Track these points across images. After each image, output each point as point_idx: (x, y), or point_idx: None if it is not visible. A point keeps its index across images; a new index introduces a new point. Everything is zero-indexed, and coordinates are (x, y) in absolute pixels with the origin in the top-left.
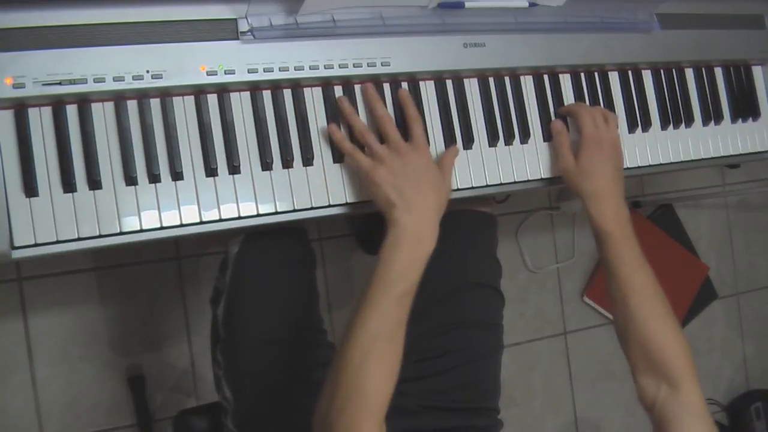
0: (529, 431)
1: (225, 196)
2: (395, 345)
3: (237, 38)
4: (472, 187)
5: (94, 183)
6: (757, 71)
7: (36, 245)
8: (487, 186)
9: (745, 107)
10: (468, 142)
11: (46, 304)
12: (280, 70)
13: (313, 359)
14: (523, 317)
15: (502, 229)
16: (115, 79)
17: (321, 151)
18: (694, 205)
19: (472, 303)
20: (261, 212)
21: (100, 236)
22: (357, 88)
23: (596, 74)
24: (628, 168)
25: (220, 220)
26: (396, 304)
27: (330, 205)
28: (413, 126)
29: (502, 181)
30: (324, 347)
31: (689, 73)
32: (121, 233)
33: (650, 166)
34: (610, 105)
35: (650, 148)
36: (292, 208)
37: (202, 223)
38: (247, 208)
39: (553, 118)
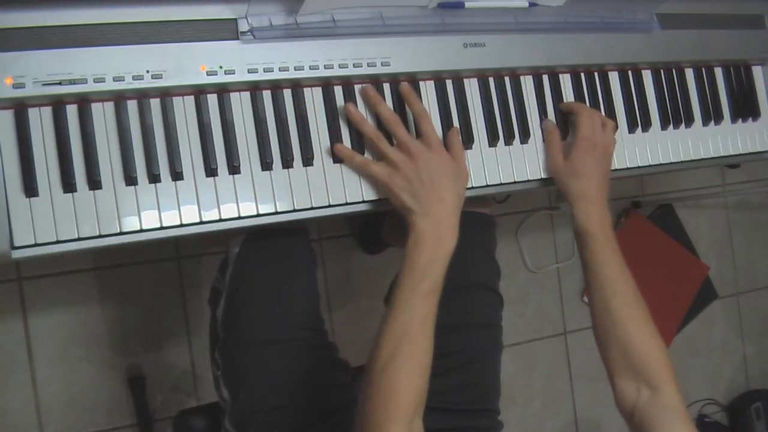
0: (529, 431)
1: (225, 196)
2: (423, 342)
3: (237, 38)
4: (472, 187)
5: (94, 183)
6: (757, 71)
7: (36, 245)
8: (487, 186)
9: (745, 107)
10: (468, 142)
11: (46, 304)
12: (280, 70)
13: (312, 360)
14: (523, 317)
15: (502, 229)
16: (115, 79)
17: (321, 151)
18: (694, 205)
19: (471, 304)
20: (261, 212)
21: (100, 236)
22: (357, 88)
23: (596, 74)
24: (628, 168)
25: (220, 220)
26: (421, 302)
27: (330, 205)
28: (421, 122)
29: (502, 181)
30: (324, 348)
31: (689, 73)
32: (121, 233)
33: (650, 166)
34: (610, 105)
35: (650, 148)
36: (292, 208)
37: (202, 223)
38: (247, 208)
39: (553, 118)
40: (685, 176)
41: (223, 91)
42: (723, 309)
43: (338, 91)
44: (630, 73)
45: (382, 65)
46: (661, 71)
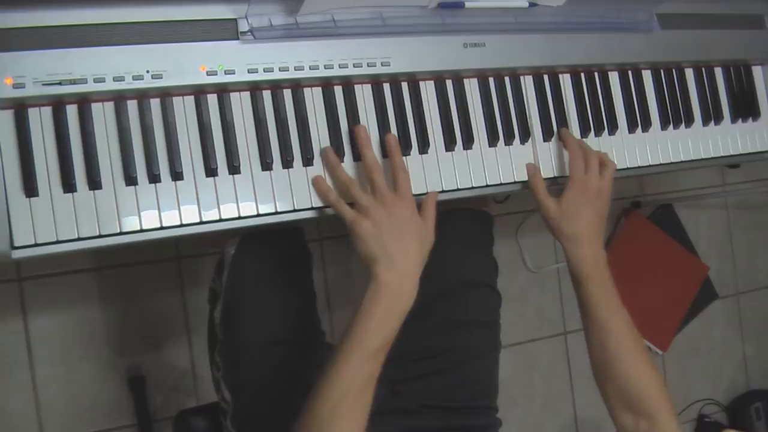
0: (529, 431)
1: (225, 196)
2: (365, 399)
3: (237, 38)
4: (472, 187)
5: (94, 183)
6: (757, 71)
7: (36, 245)
8: (487, 186)
9: (745, 107)
10: (468, 142)
11: (46, 304)
12: (280, 70)
13: (311, 360)
14: (523, 317)
15: (502, 229)
16: (115, 79)
17: (321, 151)
18: (694, 205)
19: (469, 302)
20: (261, 212)
21: (100, 236)
22: (357, 88)
23: (596, 74)
24: (628, 168)
25: (220, 220)
26: (369, 359)
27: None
28: (398, 176)
29: (502, 181)
30: (322, 348)
31: (689, 73)
32: (121, 233)
33: (650, 166)
34: (610, 105)
35: (650, 148)
36: (292, 208)
37: (202, 223)
38: (247, 208)
39: (553, 118)
40: (685, 176)
41: (223, 91)
42: (723, 309)
43: (338, 91)
44: (630, 73)
45: (382, 65)
46: (661, 71)
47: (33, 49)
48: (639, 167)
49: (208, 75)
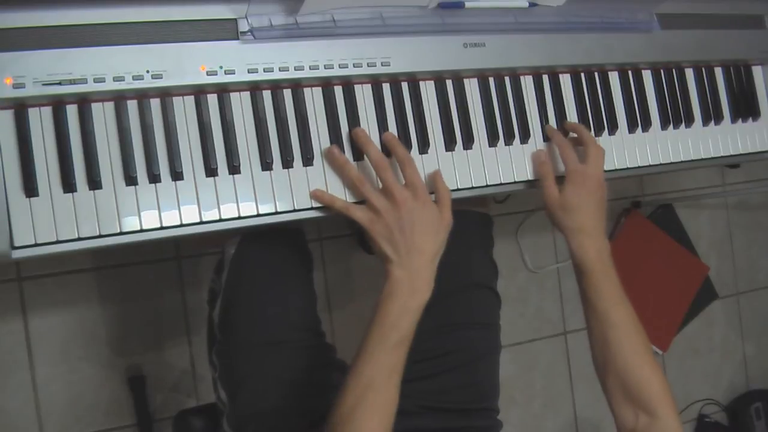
0: (529, 431)
1: (225, 196)
2: (388, 393)
3: (237, 38)
4: (472, 187)
5: (94, 183)
6: (757, 71)
7: (36, 245)
8: (487, 186)
9: (745, 107)
10: (468, 142)
11: (46, 304)
12: (280, 70)
13: (311, 361)
14: (523, 317)
15: (502, 229)
16: (115, 79)
17: (321, 151)
18: (694, 205)
19: (469, 304)
20: (261, 212)
21: (100, 236)
22: (357, 88)
23: (596, 74)
24: (628, 168)
25: (220, 220)
26: (389, 353)
27: None
28: (405, 169)
29: (502, 181)
30: (322, 349)
31: (689, 73)
32: (121, 233)
33: (650, 166)
34: (610, 105)
35: (650, 148)
36: (292, 208)
37: (202, 223)
38: (247, 208)
39: (553, 118)
40: (685, 176)
41: (223, 91)
42: (723, 309)
43: (338, 91)
44: (630, 73)
45: (382, 65)
46: (661, 71)
47: (33, 49)
48: (639, 167)
49: (208, 75)
